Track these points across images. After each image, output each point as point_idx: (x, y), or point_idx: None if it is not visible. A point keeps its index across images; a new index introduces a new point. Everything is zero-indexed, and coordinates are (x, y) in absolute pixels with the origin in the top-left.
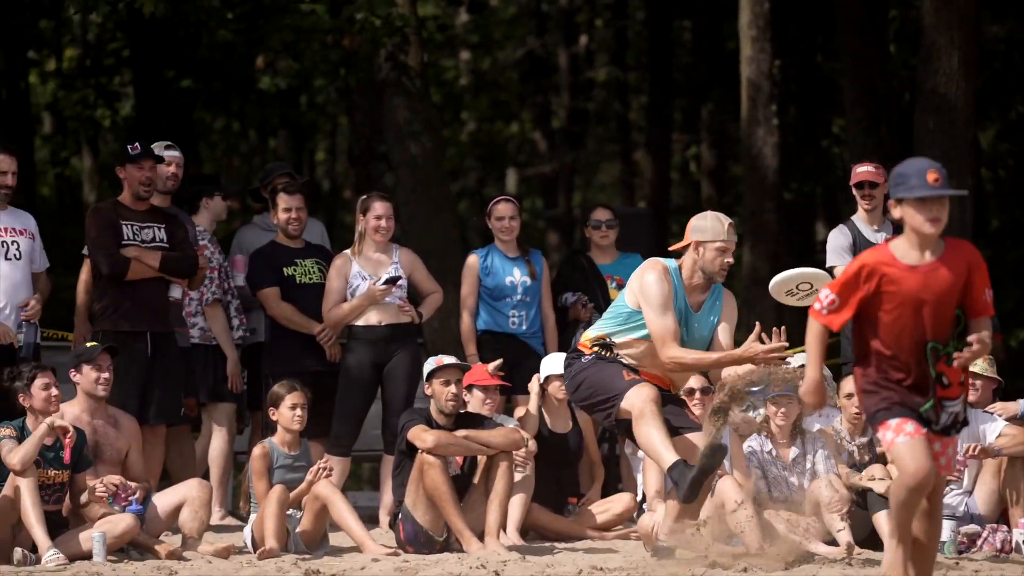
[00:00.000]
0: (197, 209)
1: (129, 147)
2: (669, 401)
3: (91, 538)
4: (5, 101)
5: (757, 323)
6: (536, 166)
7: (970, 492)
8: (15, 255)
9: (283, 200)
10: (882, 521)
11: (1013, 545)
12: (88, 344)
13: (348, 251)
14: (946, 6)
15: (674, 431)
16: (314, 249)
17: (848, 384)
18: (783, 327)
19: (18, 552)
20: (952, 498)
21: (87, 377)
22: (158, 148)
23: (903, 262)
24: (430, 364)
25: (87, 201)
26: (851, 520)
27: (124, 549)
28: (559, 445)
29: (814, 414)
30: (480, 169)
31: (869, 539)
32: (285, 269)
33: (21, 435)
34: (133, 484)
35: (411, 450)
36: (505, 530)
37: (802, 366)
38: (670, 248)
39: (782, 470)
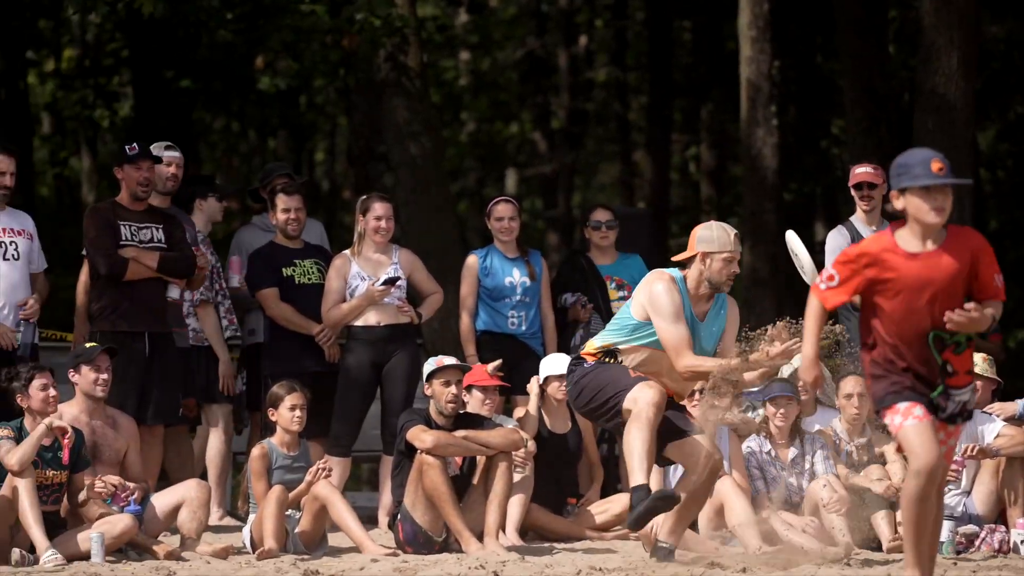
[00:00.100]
0: (191, 210)
1: (127, 147)
2: (670, 406)
3: (89, 538)
4: (4, 101)
5: (769, 326)
6: (536, 166)
7: (968, 492)
8: (13, 255)
9: (282, 200)
10: (881, 521)
11: (1011, 545)
12: (87, 345)
13: (347, 251)
14: (946, 6)
15: (679, 433)
16: (313, 250)
17: (847, 385)
18: (787, 318)
19: (16, 553)
20: (950, 498)
21: (86, 378)
22: (158, 148)
23: (904, 249)
24: (430, 365)
25: (86, 201)
26: (850, 521)
27: (122, 549)
28: (558, 445)
29: (814, 414)
30: (480, 169)
31: (868, 539)
32: (284, 269)
33: (19, 435)
34: (131, 484)
35: (410, 450)
36: (504, 530)
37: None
38: (673, 259)
39: (781, 471)
